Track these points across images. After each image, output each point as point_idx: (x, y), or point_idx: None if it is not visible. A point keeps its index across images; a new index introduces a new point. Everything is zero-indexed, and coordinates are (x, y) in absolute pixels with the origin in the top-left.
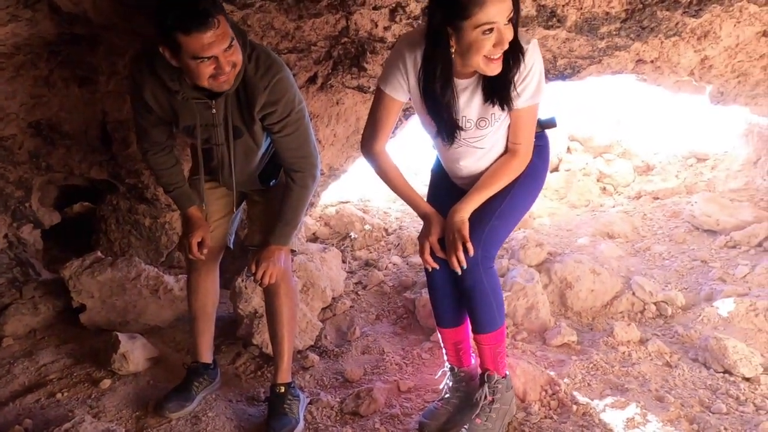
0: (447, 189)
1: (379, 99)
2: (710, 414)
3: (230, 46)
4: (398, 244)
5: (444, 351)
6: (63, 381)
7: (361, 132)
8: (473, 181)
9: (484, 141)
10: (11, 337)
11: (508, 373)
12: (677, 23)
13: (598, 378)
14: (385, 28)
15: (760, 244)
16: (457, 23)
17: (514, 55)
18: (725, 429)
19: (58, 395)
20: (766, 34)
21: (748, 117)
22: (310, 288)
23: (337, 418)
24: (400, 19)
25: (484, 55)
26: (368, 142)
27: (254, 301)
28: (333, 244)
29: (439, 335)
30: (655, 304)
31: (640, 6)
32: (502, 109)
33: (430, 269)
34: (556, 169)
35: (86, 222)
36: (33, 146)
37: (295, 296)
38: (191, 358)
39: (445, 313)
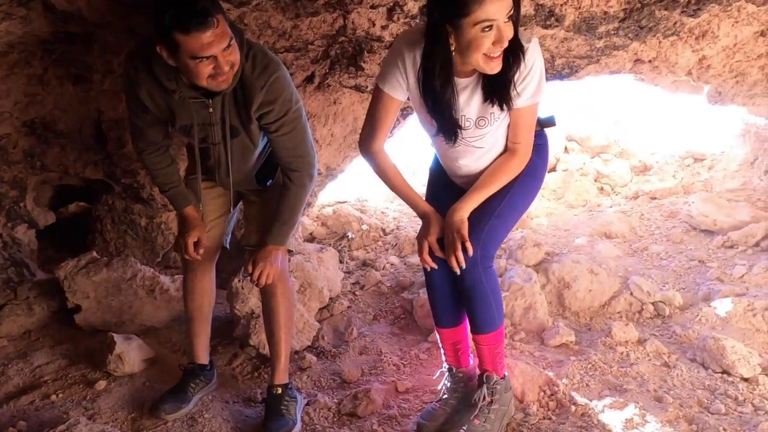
0: (446, 188)
1: (377, 98)
2: (709, 414)
3: (229, 46)
4: (396, 244)
5: (442, 351)
6: (58, 382)
7: (359, 132)
8: (472, 180)
9: (484, 140)
10: (5, 338)
11: (506, 373)
12: (675, 23)
13: (597, 378)
14: (383, 27)
15: (757, 244)
16: (457, 21)
17: (514, 53)
18: (724, 429)
19: (53, 397)
20: (764, 33)
21: (745, 117)
22: (307, 288)
23: (335, 419)
24: (398, 18)
25: (484, 53)
26: (367, 141)
27: (251, 301)
28: (330, 244)
29: (437, 335)
30: (653, 304)
31: (639, 5)
32: (502, 108)
33: (429, 269)
34: (553, 169)
35: (81, 222)
36: (27, 145)
37: (292, 296)
38: (187, 359)
39: (443, 313)
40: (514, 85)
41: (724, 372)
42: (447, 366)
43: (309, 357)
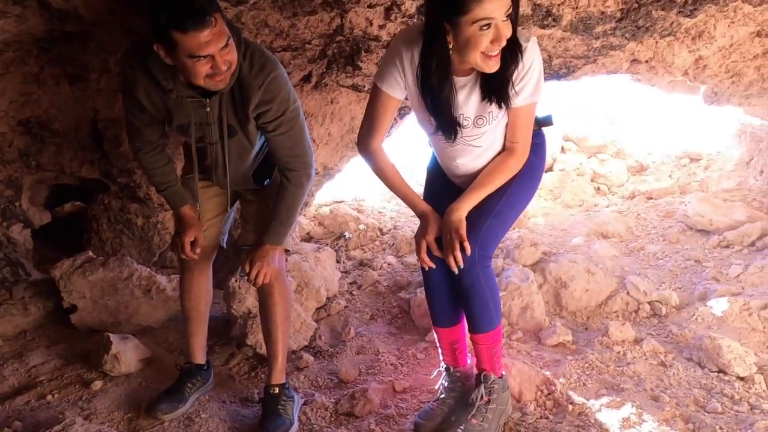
0: (443, 187)
1: (375, 96)
2: (705, 413)
3: (226, 45)
4: (393, 243)
5: (440, 351)
6: (53, 382)
7: (356, 131)
8: (470, 179)
9: (482, 139)
10: (0, 338)
11: (504, 373)
12: (672, 23)
13: (594, 378)
14: (380, 27)
15: (753, 244)
16: (455, 19)
17: (512, 52)
18: (720, 428)
19: (49, 397)
20: (760, 34)
21: (740, 117)
22: (305, 288)
23: (332, 419)
24: (395, 18)
25: (482, 52)
26: (365, 139)
27: (248, 301)
28: (327, 244)
29: (434, 335)
30: (649, 303)
31: (636, 5)
32: (500, 107)
33: (427, 268)
34: (550, 169)
35: (77, 221)
36: (23, 144)
37: (289, 296)
38: (184, 359)
39: (441, 312)
40: (513, 84)
41: (720, 371)
42: (444, 365)
43: (306, 357)
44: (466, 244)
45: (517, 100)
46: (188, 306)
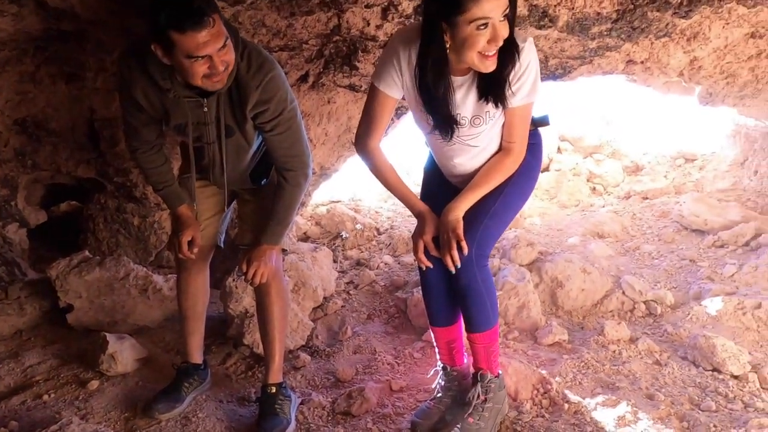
0: (440, 187)
1: (373, 96)
2: (700, 411)
3: (224, 46)
4: (390, 243)
5: (436, 350)
6: (50, 382)
7: (353, 131)
8: (467, 179)
9: (479, 139)
10: None
11: (500, 372)
12: (667, 24)
13: (589, 376)
14: (377, 27)
15: (747, 244)
16: (452, 18)
17: (509, 53)
18: (714, 426)
19: (45, 397)
20: (755, 35)
21: (735, 118)
22: (301, 287)
23: (329, 418)
24: (392, 18)
25: (479, 52)
26: (362, 139)
27: (245, 300)
28: (324, 244)
29: (431, 334)
30: (644, 303)
31: (631, 7)
32: (497, 107)
33: (424, 268)
34: (546, 169)
35: (73, 221)
36: (18, 144)
37: (286, 296)
38: (181, 359)
39: (438, 312)
40: (509, 84)
41: (714, 370)
42: (441, 365)
43: (303, 356)
44: (463, 244)
45: (514, 101)
46: (185, 306)
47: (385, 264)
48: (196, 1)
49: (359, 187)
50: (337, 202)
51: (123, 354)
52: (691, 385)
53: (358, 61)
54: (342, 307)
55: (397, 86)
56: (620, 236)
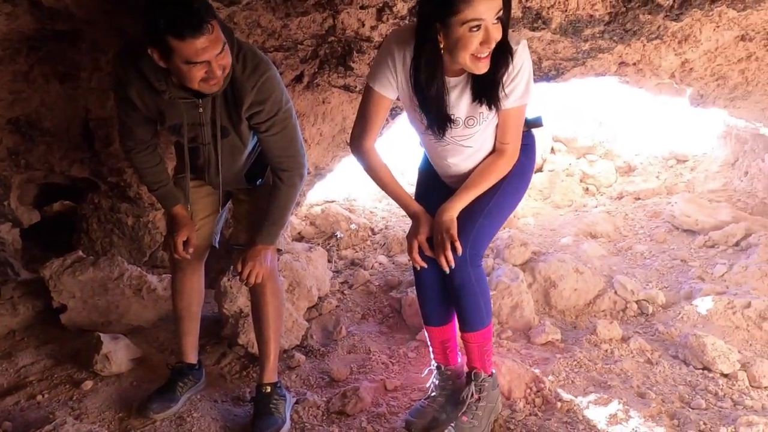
0: (435, 187)
1: (368, 96)
2: (690, 409)
3: (222, 50)
4: (384, 243)
5: (431, 349)
6: (43, 383)
7: (348, 131)
8: (462, 179)
9: (473, 139)
10: None
11: (494, 371)
12: (659, 27)
13: (582, 375)
14: (372, 28)
15: (737, 244)
16: (446, 19)
17: (502, 55)
18: (704, 424)
19: (39, 397)
20: (744, 38)
21: (726, 119)
22: (296, 287)
23: (324, 418)
24: (387, 19)
25: (472, 54)
26: (357, 139)
27: (239, 300)
28: (319, 244)
29: (426, 334)
30: (636, 302)
31: (623, 9)
32: (490, 109)
33: (419, 268)
34: (540, 170)
35: (66, 221)
36: (12, 143)
37: (281, 296)
38: (175, 359)
39: (432, 311)
40: (503, 86)
41: (704, 368)
42: (435, 364)
43: (298, 356)
44: (458, 244)
45: (507, 103)
46: (180, 306)
47: (380, 264)
48: (195, 8)
49: (354, 187)
50: (332, 202)
51: (117, 354)
52: (681, 384)
53: (353, 62)
54: (336, 306)
55: (392, 86)
56: (613, 236)
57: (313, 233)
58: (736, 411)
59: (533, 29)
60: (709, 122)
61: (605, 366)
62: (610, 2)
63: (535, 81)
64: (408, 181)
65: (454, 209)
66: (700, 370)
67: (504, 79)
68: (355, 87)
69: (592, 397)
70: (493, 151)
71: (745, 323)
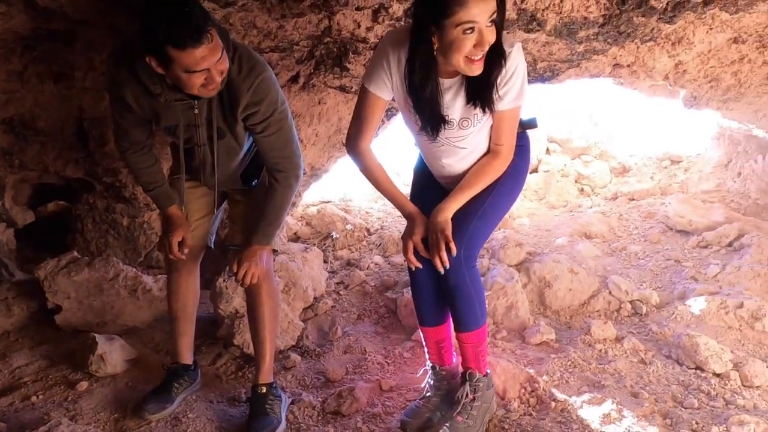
0: (430, 188)
1: (363, 97)
2: (683, 409)
3: (221, 56)
4: (380, 243)
5: (426, 350)
6: (38, 383)
7: (343, 132)
8: (456, 180)
9: (467, 141)
10: None
11: (489, 371)
12: (653, 29)
13: (576, 375)
14: (368, 29)
15: (730, 244)
16: (440, 21)
17: (496, 57)
18: (696, 423)
19: (33, 398)
20: (737, 41)
21: (719, 121)
22: (292, 288)
23: (319, 418)
24: (383, 20)
25: (465, 56)
26: (353, 140)
27: (235, 301)
28: (314, 244)
29: (421, 334)
30: (630, 302)
31: (617, 12)
32: (484, 111)
33: (414, 268)
34: (535, 170)
35: (61, 221)
36: (6, 143)
37: (276, 296)
38: (171, 359)
39: (427, 312)
40: (497, 88)
41: (697, 368)
42: (430, 364)
43: (293, 356)
44: (452, 245)
45: (501, 105)
46: (175, 306)
47: (375, 264)
48: (194, 18)
49: (349, 188)
50: (328, 202)
51: (112, 355)
52: (674, 383)
53: (349, 63)
54: (332, 307)
55: (388, 88)
56: (607, 237)
57: (309, 234)
58: (728, 410)
59: (528, 31)
60: (703, 124)
61: (599, 366)
62: (604, 4)
63: (530, 82)
64: (403, 182)
65: (448, 210)
66: (693, 370)
67: (498, 81)
68: (351, 88)
69: (586, 396)
70: (488, 152)
71: (738, 323)
